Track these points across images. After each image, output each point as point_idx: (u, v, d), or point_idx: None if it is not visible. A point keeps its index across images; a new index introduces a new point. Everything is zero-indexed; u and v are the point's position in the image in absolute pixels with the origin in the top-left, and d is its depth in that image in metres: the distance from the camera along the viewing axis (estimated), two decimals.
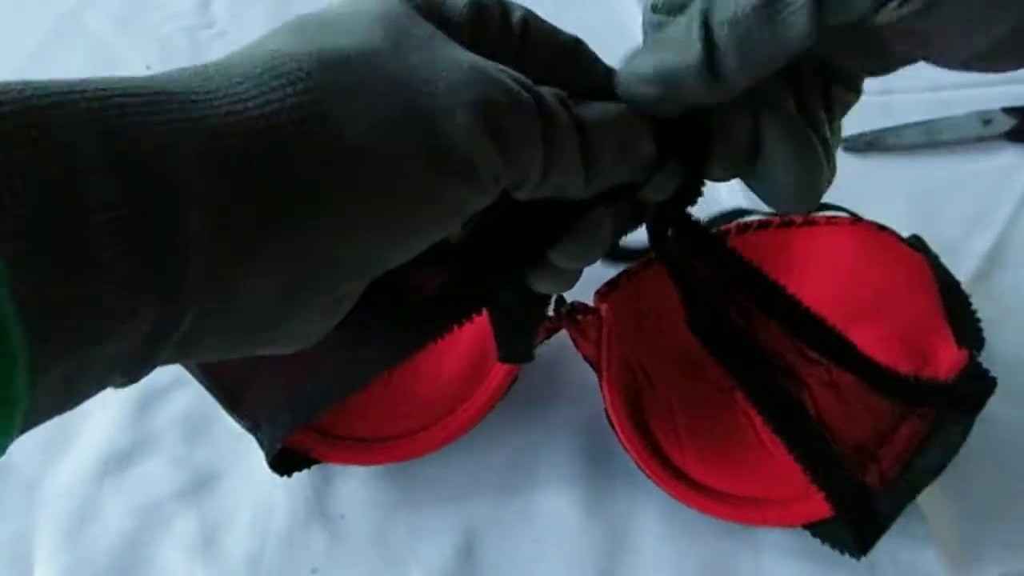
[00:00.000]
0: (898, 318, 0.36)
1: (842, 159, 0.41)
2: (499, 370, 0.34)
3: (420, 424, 0.35)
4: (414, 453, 0.34)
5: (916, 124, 0.52)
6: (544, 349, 0.35)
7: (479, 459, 0.37)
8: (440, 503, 0.36)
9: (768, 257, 0.38)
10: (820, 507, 0.32)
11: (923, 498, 0.36)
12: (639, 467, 0.35)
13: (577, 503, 0.36)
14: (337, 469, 0.36)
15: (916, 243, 0.38)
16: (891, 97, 0.55)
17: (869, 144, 0.51)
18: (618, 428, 0.34)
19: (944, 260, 0.40)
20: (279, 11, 0.63)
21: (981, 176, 0.50)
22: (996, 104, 0.52)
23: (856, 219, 0.38)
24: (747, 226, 0.38)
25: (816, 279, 0.37)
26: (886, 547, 0.35)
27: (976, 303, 0.39)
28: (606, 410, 0.35)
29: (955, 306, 0.37)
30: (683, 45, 0.21)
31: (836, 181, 0.27)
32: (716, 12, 0.21)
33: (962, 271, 0.44)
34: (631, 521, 0.35)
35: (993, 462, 0.37)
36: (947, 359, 0.34)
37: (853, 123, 0.52)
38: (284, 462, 0.35)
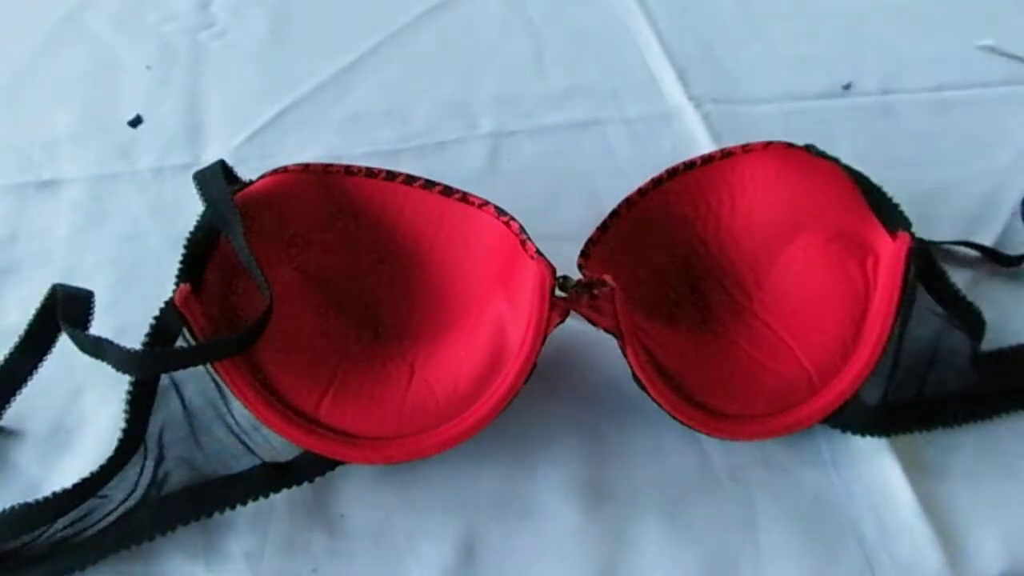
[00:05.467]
0: (832, 222, 0.38)
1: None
2: (514, 364, 0.34)
3: (438, 420, 0.35)
4: (434, 449, 0.35)
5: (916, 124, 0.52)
6: (542, 350, 0.35)
7: (479, 459, 0.37)
8: (440, 503, 0.36)
9: (702, 194, 0.40)
10: (831, 399, 0.35)
11: (924, 497, 0.36)
12: (685, 424, 0.35)
13: (577, 503, 0.36)
14: (337, 469, 0.36)
15: (817, 151, 0.41)
16: (891, 97, 0.55)
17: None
18: (653, 392, 0.35)
19: (944, 260, 0.40)
20: (279, 11, 0.63)
21: (981, 176, 0.50)
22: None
23: (767, 143, 0.40)
24: (675, 170, 0.40)
25: (751, 203, 0.40)
26: (885, 546, 0.35)
27: (976, 304, 0.38)
28: (634, 375, 0.35)
29: (873, 199, 0.39)
30: None
31: None
32: None
33: (962, 271, 0.44)
34: (631, 521, 0.36)
35: (993, 462, 0.37)
36: (886, 248, 0.37)
37: (852, 123, 0.52)
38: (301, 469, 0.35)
